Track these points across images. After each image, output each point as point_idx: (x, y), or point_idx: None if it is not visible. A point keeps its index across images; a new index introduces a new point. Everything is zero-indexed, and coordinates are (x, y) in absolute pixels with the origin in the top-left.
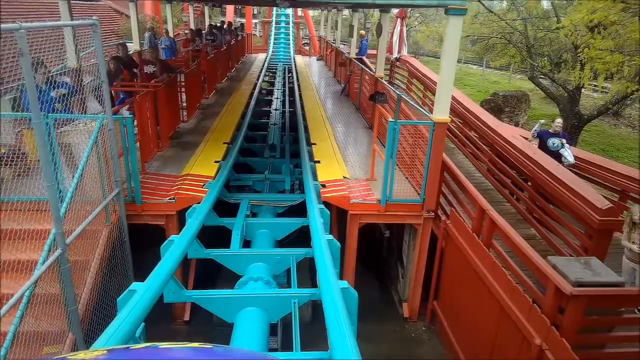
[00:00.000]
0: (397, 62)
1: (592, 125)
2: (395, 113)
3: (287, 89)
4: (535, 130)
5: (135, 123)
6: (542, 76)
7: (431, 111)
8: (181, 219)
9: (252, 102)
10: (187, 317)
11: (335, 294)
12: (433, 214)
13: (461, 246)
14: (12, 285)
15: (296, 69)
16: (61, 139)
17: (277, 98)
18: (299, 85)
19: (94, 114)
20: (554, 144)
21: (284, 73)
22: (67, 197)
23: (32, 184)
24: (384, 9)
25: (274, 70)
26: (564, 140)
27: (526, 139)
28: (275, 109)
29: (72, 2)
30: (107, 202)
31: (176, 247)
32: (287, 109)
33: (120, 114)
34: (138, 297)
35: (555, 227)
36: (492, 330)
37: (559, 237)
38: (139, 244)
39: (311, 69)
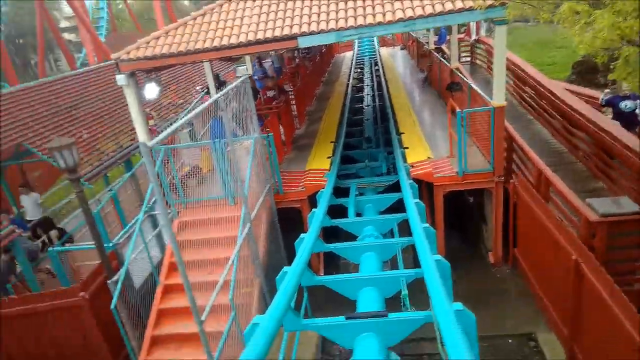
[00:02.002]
0: (477, 44)
1: None
2: (468, 101)
3: (375, 84)
4: (603, 99)
5: None
6: None
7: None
8: (311, 201)
9: (347, 103)
10: None
11: (450, 317)
12: (503, 178)
13: (527, 201)
14: (228, 251)
15: (382, 62)
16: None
17: (367, 94)
18: (385, 79)
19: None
20: (626, 106)
21: (371, 67)
22: (245, 190)
23: (208, 189)
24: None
25: (361, 66)
26: (638, 102)
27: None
28: (367, 105)
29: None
30: (265, 191)
31: (290, 277)
32: (377, 102)
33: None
34: (261, 330)
35: (618, 179)
36: (549, 258)
37: (620, 186)
38: (286, 220)
39: (395, 60)
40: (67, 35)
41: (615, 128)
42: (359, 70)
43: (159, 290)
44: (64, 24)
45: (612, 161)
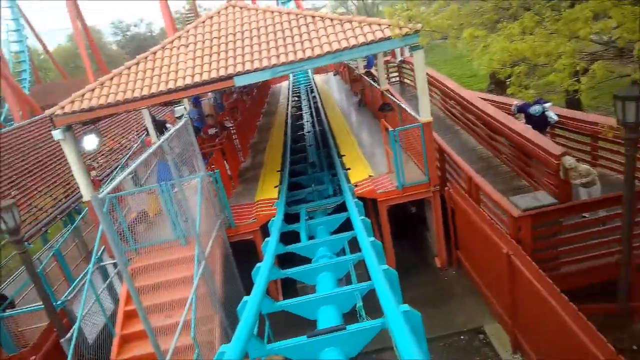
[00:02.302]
0: (403, 64)
1: None
2: (399, 119)
3: (313, 110)
4: (514, 108)
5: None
6: None
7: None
8: (264, 231)
9: (289, 132)
10: None
11: (399, 318)
12: (439, 187)
13: (462, 205)
14: (185, 291)
15: (317, 89)
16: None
17: (307, 121)
18: (322, 105)
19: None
20: (535, 110)
21: (307, 94)
22: (197, 229)
23: (157, 232)
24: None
25: (298, 94)
26: (546, 105)
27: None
28: (308, 131)
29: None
30: (217, 227)
31: (250, 306)
32: (317, 128)
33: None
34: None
35: (537, 176)
36: (487, 255)
37: (538, 182)
38: (240, 252)
39: (330, 85)
40: None
41: (529, 132)
42: (296, 98)
43: (115, 341)
44: None
45: (530, 161)
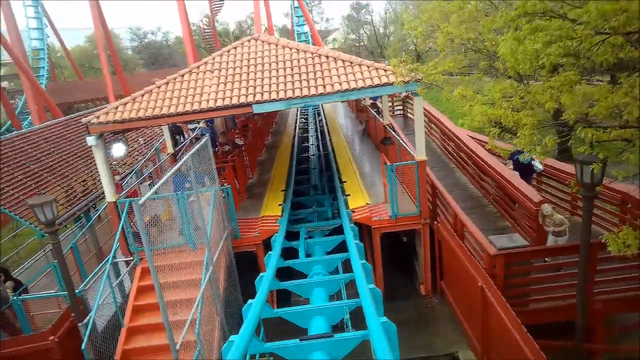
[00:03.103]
0: (407, 99)
1: None
2: (398, 154)
3: (319, 133)
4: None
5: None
6: None
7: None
8: (266, 245)
9: (295, 153)
10: None
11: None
12: (429, 220)
13: (448, 239)
14: (190, 293)
15: (324, 114)
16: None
17: (312, 144)
18: (328, 129)
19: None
20: (523, 157)
21: (315, 117)
22: (208, 236)
23: (167, 235)
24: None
25: (305, 117)
26: (531, 156)
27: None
28: (313, 154)
29: None
30: (224, 237)
31: (254, 308)
32: (321, 152)
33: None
34: (236, 346)
35: (519, 219)
36: (465, 287)
37: (519, 224)
38: (241, 263)
39: (337, 112)
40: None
41: (514, 178)
42: (303, 120)
43: (123, 332)
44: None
45: (513, 205)
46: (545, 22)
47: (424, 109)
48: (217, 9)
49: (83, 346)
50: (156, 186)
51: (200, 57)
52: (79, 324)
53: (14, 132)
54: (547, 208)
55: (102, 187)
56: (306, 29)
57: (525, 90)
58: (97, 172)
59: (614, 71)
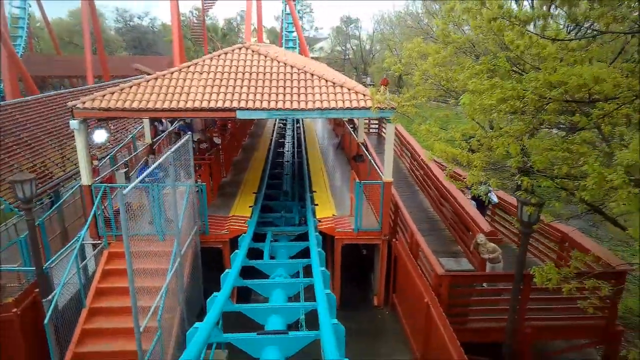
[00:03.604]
0: (383, 121)
1: None
2: (368, 172)
3: (295, 140)
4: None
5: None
6: None
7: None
8: (232, 244)
9: (270, 157)
10: None
11: (329, 329)
12: (388, 237)
13: (403, 256)
14: (155, 281)
15: (302, 122)
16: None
17: (287, 151)
18: (304, 137)
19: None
20: (479, 190)
21: (293, 124)
22: (179, 227)
23: (137, 223)
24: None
25: (284, 122)
26: (489, 188)
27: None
28: (287, 161)
29: None
30: (194, 232)
31: (219, 299)
32: (296, 159)
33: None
34: (200, 332)
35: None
36: (413, 302)
37: (469, 248)
38: (206, 257)
39: (315, 121)
40: None
41: (469, 207)
42: (282, 126)
43: (84, 312)
44: None
45: (467, 232)
46: (501, 82)
47: (398, 131)
48: (209, 5)
49: (46, 321)
50: (141, 176)
51: (186, 48)
52: (43, 300)
53: None
54: (481, 237)
55: (72, 169)
56: (295, 35)
57: (483, 135)
58: (71, 153)
59: (564, 130)
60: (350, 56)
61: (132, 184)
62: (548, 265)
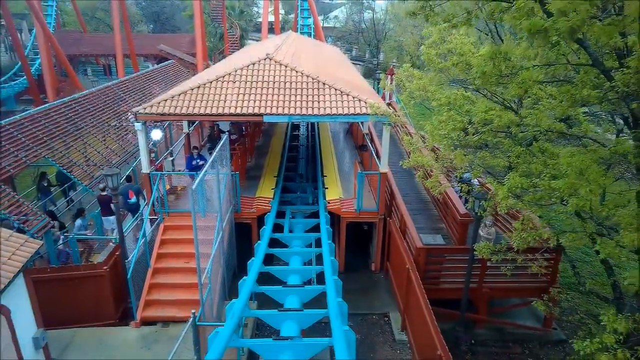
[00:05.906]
0: (389, 107)
1: None
2: (370, 161)
3: (309, 124)
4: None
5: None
6: None
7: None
8: (259, 221)
9: (287, 142)
10: None
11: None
12: (384, 216)
13: (395, 232)
14: (201, 248)
15: None
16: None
17: (302, 134)
18: (317, 126)
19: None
20: (465, 177)
21: None
22: (220, 205)
23: (182, 202)
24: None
25: None
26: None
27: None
28: (302, 145)
29: None
30: (230, 209)
31: (249, 279)
32: (309, 142)
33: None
34: (238, 303)
35: (451, 223)
36: (399, 267)
37: (450, 228)
38: (240, 230)
39: None
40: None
41: (453, 194)
42: None
43: (150, 271)
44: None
45: (447, 212)
46: (455, 114)
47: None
48: None
49: (129, 276)
50: (204, 169)
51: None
52: (126, 260)
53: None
54: (489, 220)
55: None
56: (310, 21)
57: (444, 149)
58: (113, 144)
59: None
60: (364, 28)
61: (197, 180)
62: (484, 244)
